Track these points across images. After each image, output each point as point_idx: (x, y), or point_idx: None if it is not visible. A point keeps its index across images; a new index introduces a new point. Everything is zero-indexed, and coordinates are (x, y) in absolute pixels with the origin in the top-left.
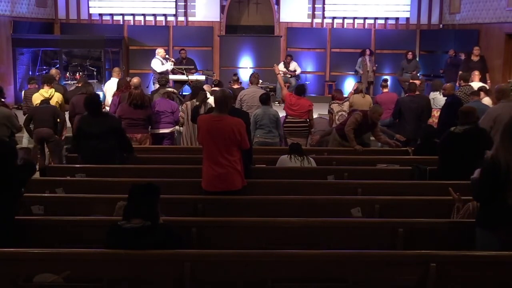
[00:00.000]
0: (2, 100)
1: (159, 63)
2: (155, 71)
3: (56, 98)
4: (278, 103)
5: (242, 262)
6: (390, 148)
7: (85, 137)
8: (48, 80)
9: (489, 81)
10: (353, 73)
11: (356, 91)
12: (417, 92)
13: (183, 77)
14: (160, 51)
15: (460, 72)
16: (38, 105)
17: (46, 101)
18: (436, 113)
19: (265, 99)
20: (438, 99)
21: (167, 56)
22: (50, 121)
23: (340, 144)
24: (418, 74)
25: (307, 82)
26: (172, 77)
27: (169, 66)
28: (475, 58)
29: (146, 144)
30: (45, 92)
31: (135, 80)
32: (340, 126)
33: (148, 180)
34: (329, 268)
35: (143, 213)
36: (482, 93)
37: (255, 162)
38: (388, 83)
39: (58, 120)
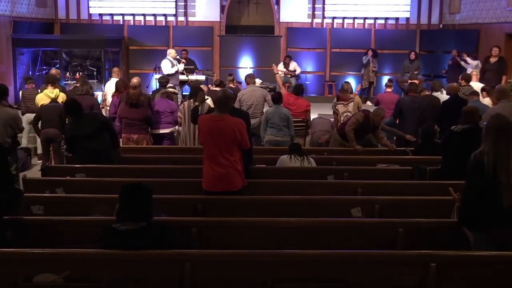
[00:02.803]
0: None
1: (169, 65)
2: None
3: (61, 98)
4: None
5: (242, 262)
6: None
7: (78, 140)
8: (52, 81)
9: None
10: (353, 73)
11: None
12: (426, 93)
13: (183, 77)
14: (171, 52)
15: (463, 73)
16: (44, 104)
17: (54, 100)
18: None
19: (277, 99)
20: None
21: (178, 56)
22: (57, 121)
23: (340, 144)
24: (419, 75)
25: (307, 82)
26: (182, 77)
27: (180, 67)
28: (492, 60)
29: (143, 145)
30: (50, 92)
31: (135, 80)
32: (341, 126)
33: (148, 180)
34: (329, 268)
35: (137, 214)
36: (484, 93)
37: (255, 162)
38: (393, 83)
39: (66, 120)
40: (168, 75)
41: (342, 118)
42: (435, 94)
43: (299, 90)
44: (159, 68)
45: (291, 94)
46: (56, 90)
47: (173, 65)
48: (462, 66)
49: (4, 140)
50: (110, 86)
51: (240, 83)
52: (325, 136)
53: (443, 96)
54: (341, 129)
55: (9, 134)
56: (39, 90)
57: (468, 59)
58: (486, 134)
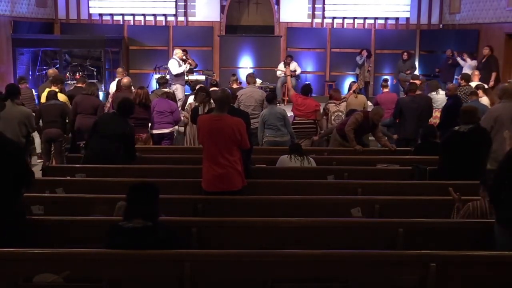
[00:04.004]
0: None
1: (177, 65)
2: (171, 72)
3: (59, 98)
4: (278, 103)
5: (242, 262)
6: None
7: (97, 135)
8: (56, 81)
9: (491, 82)
10: (353, 73)
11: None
12: (418, 92)
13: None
14: (178, 52)
15: (462, 72)
16: (44, 104)
17: (53, 97)
18: (437, 113)
19: (271, 99)
20: (435, 99)
21: (184, 57)
22: (59, 120)
23: (340, 144)
24: (418, 74)
25: (307, 82)
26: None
27: (186, 67)
28: (484, 59)
29: (150, 144)
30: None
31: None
32: (341, 126)
33: (148, 180)
34: (329, 268)
35: (144, 213)
36: (480, 92)
37: (255, 162)
38: (388, 83)
39: (67, 119)
40: (177, 75)
41: (332, 118)
42: (431, 94)
43: (307, 90)
44: (159, 68)
45: (299, 94)
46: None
47: (180, 66)
48: (455, 65)
49: (19, 140)
50: (114, 86)
51: (240, 82)
52: (315, 136)
53: (437, 96)
54: (341, 129)
55: (24, 133)
56: (33, 90)
57: (466, 58)
58: None
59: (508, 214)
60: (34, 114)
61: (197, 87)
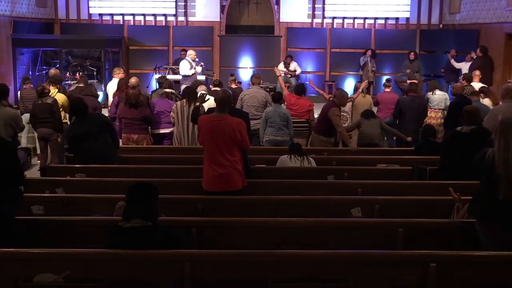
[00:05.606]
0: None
1: (188, 66)
2: (179, 72)
3: (59, 98)
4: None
5: (242, 262)
6: (390, 148)
7: (80, 140)
8: (54, 81)
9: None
10: (354, 73)
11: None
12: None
13: (201, 77)
14: (191, 53)
15: (464, 73)
16: (36, 103)
17: (41, 94)
18: (433, 114)
19: (277, 98)
20: (431, 99)
21: (197, 59)
22: (49, 119)
23: (328, 142)
24: (414, 74)
25: (307, 82)
26: (170, 77)
27: (198, 69)
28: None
29: (143, 145)
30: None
31: (133, 80)
32: (317, 126)
33: (148, 180)
34: (329, 268)
35: (143, 213)
36: (482, 94)
37: (255, 162)
38: (391, 83)
39: (55, 114)
40: (186, 75)
41: None
42: (427, 94)
43: (300, 90)
44: (159, 68)
45: (293, 94)
46: (54, 91)
47: (191, 67)
48: (455, 70)
49: None
50: (111, 86)
51: (240, 82)
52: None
53: (433, 97)
54: (319, 129)
55: (10, 134)
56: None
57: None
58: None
59: (479, 208)
60: (30, 113)
61: (183, 88)
